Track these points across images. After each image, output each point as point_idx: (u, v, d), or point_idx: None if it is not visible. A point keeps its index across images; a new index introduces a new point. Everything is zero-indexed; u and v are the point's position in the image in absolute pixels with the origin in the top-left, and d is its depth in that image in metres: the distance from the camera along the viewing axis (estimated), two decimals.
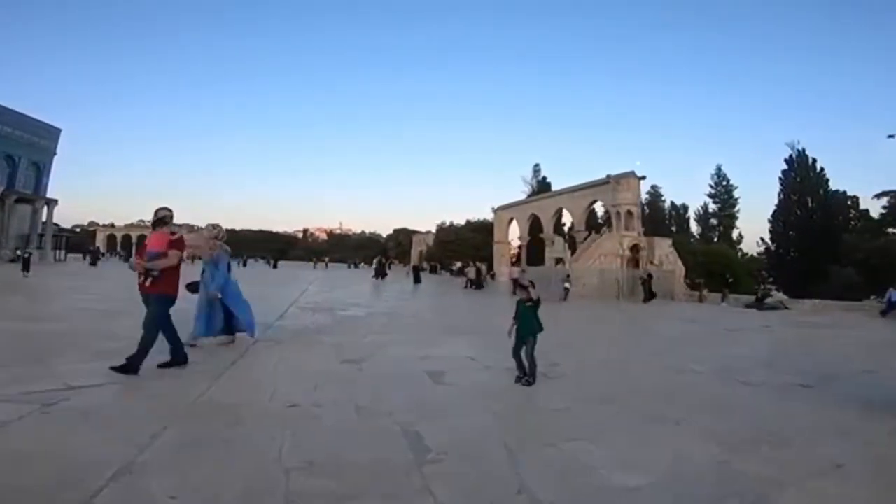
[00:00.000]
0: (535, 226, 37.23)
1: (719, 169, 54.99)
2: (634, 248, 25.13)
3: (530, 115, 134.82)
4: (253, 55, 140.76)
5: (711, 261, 31.10)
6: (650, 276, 21.09)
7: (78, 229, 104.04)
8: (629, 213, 25.67)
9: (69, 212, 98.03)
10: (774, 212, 43.14)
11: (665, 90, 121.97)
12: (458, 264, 43.62)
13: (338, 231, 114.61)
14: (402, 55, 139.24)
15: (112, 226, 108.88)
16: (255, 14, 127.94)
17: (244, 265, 51.04)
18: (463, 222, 57.58)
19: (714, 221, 55.59)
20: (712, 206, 55.39)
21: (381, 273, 29.32)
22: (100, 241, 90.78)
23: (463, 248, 46.66)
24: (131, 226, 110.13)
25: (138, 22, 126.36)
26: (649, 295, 20.61)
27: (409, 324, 9.68)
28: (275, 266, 49.23)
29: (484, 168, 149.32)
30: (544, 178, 52.41)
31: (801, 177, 42.30)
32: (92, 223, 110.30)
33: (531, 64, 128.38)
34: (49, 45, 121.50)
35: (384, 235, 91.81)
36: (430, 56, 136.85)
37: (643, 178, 28.30)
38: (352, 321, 9.65)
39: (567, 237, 32.48)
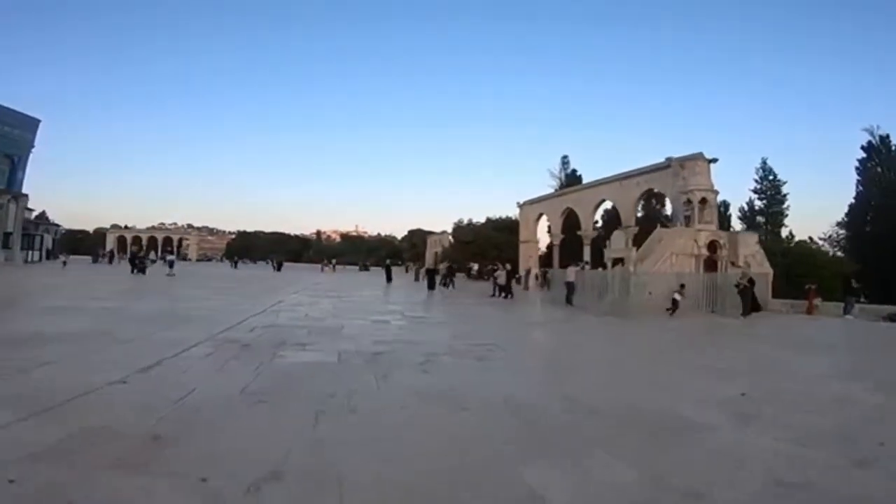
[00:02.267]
0: (566, 222, 31.90)
1: (764, 163, 48.57)
2: (711, 246, 19.56)
3: (551, 110, 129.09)
4: (270, 57, 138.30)
5: (794, 262, 25.24)
6: (752, 281, 15.52)
7: (90, 231, 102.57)
8: (703, 201, 20.09)
9: (90, 214, 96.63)
10: (852, 206, 36.85)
11: (698, 83, 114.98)
12: (476, 266, 38.41)
13: (353, 233, 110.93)
14: (414, 55, 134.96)
15: (125, 227, 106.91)
16: (272, 15, 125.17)
17: (235, 266, 46.74)
18: (482, 220, 52.24)
19: (761, 219, 49.48)
20: (758, 203, 49.23)
21: (447, 280, 24.81)
22: (110, 243, 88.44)
23: (484, 248, 41.30)
24: (153, 228, 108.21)
25: (160, 28, 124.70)
26: (751, 307, 15.10)
27: (416, 397, 4.28)
28: (278, 269, 44.61)
29: (502, 166, 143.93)
30: (574, 170, 46.92)
31: (883, 167, 35.95)
32: (114, 226, 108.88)
33: (551, 58, 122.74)
34: (74, 51, 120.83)
35: (399, 237, 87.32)
36: (443, 54, 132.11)
37: (714, 160, 22.79)
38: (291, 387, 4.47)
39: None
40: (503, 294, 19.41)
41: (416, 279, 31.63)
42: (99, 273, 25.78)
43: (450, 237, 57.18)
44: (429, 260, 59.61)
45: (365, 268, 55.75)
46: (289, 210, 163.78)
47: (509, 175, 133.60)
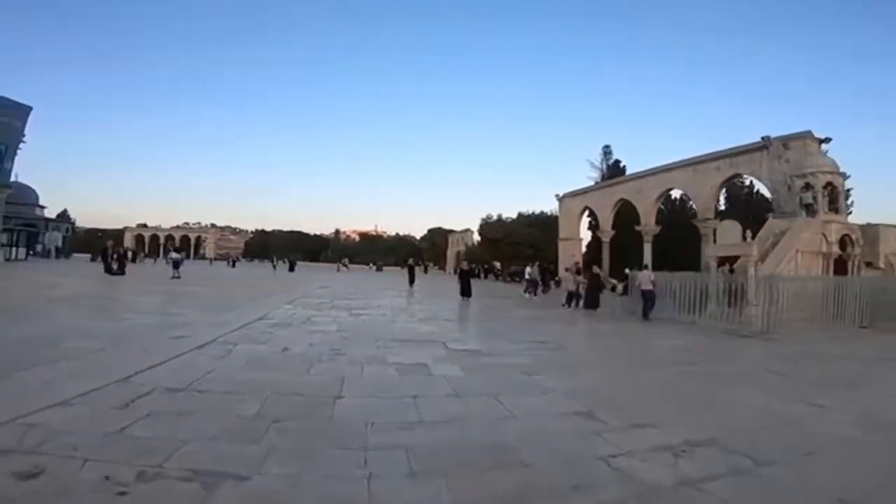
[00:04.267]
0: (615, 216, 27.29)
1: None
2: (841, 242, 14.73)
3: (578, 103, 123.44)
4: (293, 57, 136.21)
5: None
6: None
7: (109, 229, 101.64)
8: (828, 186, 15.27)
9: (121, 214, 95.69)
10: None
11: (731, 75, 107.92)
12: (513, 268, 33.96)
13: (372, 233, 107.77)
14: (434, 53, 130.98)
15: (144, 226, 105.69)
16: (294, 15, 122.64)
17: (233, 265, 43.26)
18: (513, 216, 47.67)
19: None
20: None
21: (536, 287, 19.98)
22: (127, 241, 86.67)
23: (517, 246, 36.76)
24: (175, 227, 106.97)
25: (181, 28, 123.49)
26: None
27: None
28: (291, 269, 40.99)
29: (527, 164, 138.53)
30: (617, 161, 41.70)
31: None
32: (140, 225, 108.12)
33: (581, 51, 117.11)
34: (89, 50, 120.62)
35: (418, 237, 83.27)
36: (460, 51, 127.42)
37: (827, 140, 18.15)
38: None
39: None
40: (573, 302, 14.97)
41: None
42: (67, 275, 22.14)
43: (474, 235, 52.92)
44: (450, 260, 55.43)
45: (378, 268, 52.78)
46: (309, 209, 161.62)
47: (537, 171, 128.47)
